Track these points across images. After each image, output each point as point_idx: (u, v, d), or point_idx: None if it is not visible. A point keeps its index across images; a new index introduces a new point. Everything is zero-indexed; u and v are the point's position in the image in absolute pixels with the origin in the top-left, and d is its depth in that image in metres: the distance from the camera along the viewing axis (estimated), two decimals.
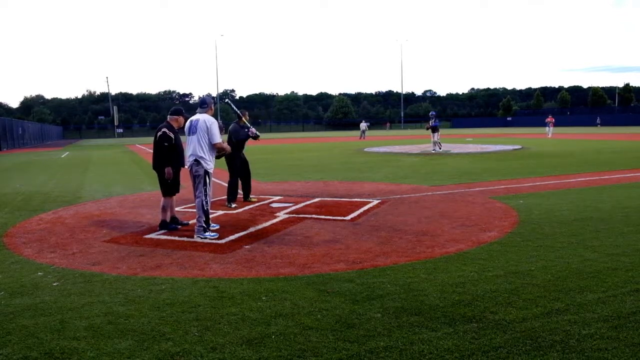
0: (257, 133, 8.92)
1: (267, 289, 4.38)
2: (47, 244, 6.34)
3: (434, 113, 23.39)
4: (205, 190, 6.44)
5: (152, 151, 7.11)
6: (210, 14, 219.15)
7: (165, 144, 6.74)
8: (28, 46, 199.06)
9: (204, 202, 6.39)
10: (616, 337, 3.28)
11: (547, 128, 39.09)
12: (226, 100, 9.03)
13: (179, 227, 6.97)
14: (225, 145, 6.82)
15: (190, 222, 7.28)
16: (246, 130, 8.80)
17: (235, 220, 7.32)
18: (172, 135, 6.79)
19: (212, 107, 6.78)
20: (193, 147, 6.43)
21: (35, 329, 3.64)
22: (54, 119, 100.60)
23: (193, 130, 6.48)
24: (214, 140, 6.48)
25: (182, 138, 6.93)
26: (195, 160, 6.41)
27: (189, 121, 6.62)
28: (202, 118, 6.50)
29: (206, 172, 6.44)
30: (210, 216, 6.60)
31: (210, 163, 6.50)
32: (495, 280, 4.46)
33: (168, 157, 6.78)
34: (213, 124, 6.51)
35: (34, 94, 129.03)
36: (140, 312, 3.92)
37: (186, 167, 6.65)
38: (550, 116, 41.30)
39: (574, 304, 3.86)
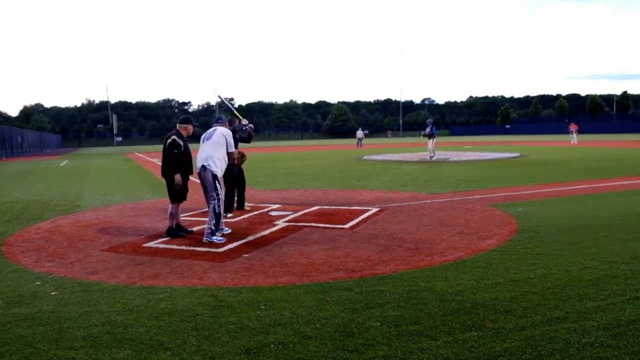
0: (252, 126, 9.19)
1: (266, 297, 4.37)
2: (45, 252, 6.32)
3: (431, 120, 23.54)
4: (217, 195, 6.66)
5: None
6: (209, 23, 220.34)
7: (175, 151, 6.84)
8: (27, 55, 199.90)
9: (217, 206, 6.61)
10: (616, 345, 3.27)
11: (570, 135, 39.77)
12: (219, 96, 9.32)
13: (185, 234, 6.99)
14: (235, 154, 7.43)
15: (195, 229, 7.29)
16: (243, 124, 9.00)
17: (234, 229, 7.31)
18: (181, 142, 6.91)
19: (227, 124, 7.48)
20: (204, 152, 6.77)
21: (32, 339, 3.62)
22: (53, 128, 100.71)
23: (208, 137, 6.91)
24: (231, 149, 6.97)
25: (192, 146, 7.05)
26: (203, 166, 6.68)
27: (206, 132, 7.08)
28: (220, 129, 7.01)
29: (214, 177, 6.68)
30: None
31: (217, 168, 6.75)
32: (495, 288, 4.45)
33: (177, 164, 6.85)
34: (230, 135, 7.01)
35: (33, 103, 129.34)
36: (139, 321, 3.90)
37: (195, 171, 6.88)
38: (572, 123, 41.85)
39: (574, 312, 3.85)
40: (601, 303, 4.01)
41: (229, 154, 7.01)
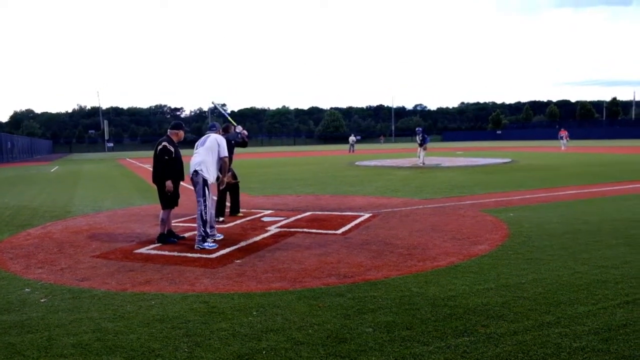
0: (246, 133, 9.20)
1: (258, 303, 4.35)
2: (34, 259, 6.26)
3: (421, 129, 23.58)
4: (205, 201, 6.66)
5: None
6: (202, 28, 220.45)
7: (166, 157, 6.81)
8: (18, 60, 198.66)
9: (203, 212, 6.60)
10: (607, 349, 3.29)
11: (560, 141, 40.47)
12: (212, 102, 9.38)
13: (177, 240, 6.95)
14: (227, 163, 7.26)
15: (187, 235, 7.26)
16: (237, 131, 8.97)
17: (226, 235, 7.29)
18: (172, 148, 6.88)
19: (221, 131, 7.65)
20: (197, 158, 6.81)
21: (21, 347, 3.58)
22: (44, 133, 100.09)
23: (202, 143, 7.00)
24: (223, 154, 7.00)
25: (183, 152, 7.03)
26: (195, 170, 6.71)
27: (200, 139, 7.17)
28: (213, 135, 7.12)
29: (205, 181, 6.70)
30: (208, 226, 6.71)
31: (209, 174, 6.80)
32: (487, 293, 4.47)
33: (168, 170, 6.82)
34: (223, 140, 7.09)
35: (23, 108, 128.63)
36: (130, 328, 3.87)
37: (188, 176, 6.92)
38: (562, 129, 42.54)
39: (565, 316, 3.87)
40: (592, 308, 4.04)
41: (222, 159, 7.00)
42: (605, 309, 4.01)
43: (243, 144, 9.14)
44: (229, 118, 9.09)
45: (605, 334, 3.53)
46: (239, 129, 9.02)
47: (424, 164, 22.43)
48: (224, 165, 7.10)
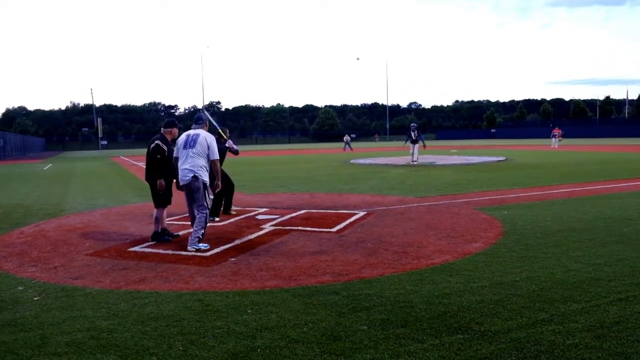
0: (237, 148, 8.92)
1: (253, 301, 4.35)
2: (28, 257, 6.23)
3: (415, 125, 23.39)
4: (207, 204, 6.48)
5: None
6: (196, 26, 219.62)
7: (158, 156, 6.76)
8: (11, 57, 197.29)
9: (207, 216, 6.44)
10: (600, 346, 3.30)
11: (553, 139, 41.02)
12: (203, 111, 8.75)
13: (171, 238, 6.92)
14: (218, 166, 6.70)
15: (181, 233, 7.23)
16: (226, 145, 8.73)
17: (220, 233, 7.27)
18: (165, 147, 6.83)
19: (207, 124, 6.84)
20: (191, 161, 6.33)
21: (14, 345, 3.56)
22: (37, 131, 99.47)
23: (191, 143, 6.40)
24: (214, 156, 6.47)
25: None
26: (194, 175, 6.30)
27: (185, 135, 6.54)
28: (202, 134, 6.49)
29: (205, 185, 6.43)
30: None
31: (207, 177, 6.48)
32: (481, 291, 4.48)
33: (161, 169, 6.78)
34: (213, 140, 6.55)
35: (16, 105, 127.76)
36: (124, 326, 3.86)
37: (182, 181, 6.39)
38: (556, 128, 43.07)
39: (558, 314, 3.89)
40: (585, 305, 4.06)
41: (213, 162, 6.47)
42: (599, 306, 4.03)
43: (235, 152, 8.98)
44: (219, 129, 8.84)
45: (598, 331, 3.55)
46: (229, 143, 8.74)
47: (416, 161, 22.38)
48: (215, 169, 6.56)
